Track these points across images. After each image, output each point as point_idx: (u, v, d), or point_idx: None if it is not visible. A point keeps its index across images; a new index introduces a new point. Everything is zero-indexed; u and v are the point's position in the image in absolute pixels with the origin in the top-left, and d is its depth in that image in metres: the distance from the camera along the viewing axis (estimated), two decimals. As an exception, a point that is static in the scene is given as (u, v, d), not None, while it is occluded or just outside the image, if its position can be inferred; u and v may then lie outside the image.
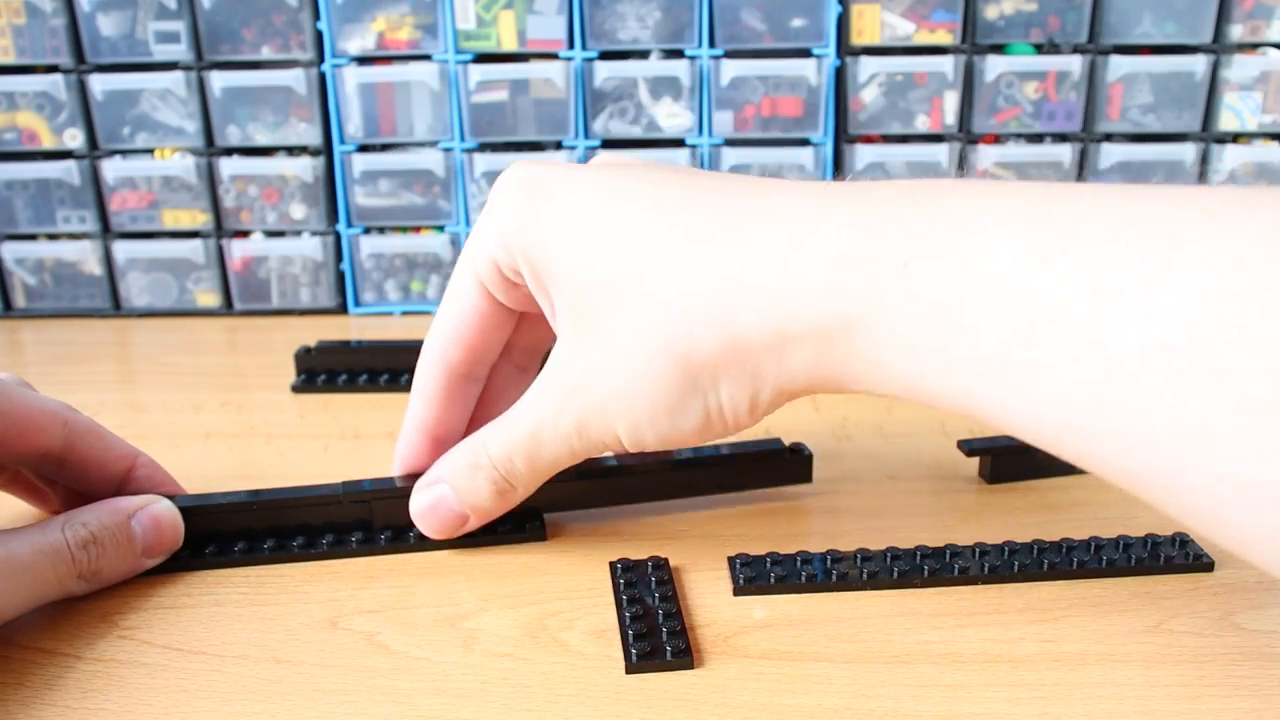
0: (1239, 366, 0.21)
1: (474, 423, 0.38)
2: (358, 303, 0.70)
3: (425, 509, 0.36)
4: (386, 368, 0.55)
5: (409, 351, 0.55)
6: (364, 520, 0.38)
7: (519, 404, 0.34)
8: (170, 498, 0.37)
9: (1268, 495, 0.21)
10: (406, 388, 0.54)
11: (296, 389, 0.55)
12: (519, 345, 0.39)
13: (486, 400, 0.39)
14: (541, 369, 0.34)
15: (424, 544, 0.37)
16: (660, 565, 0.36)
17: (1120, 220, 0.24)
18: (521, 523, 0.38)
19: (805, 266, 0.28)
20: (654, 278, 0.30)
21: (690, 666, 0.31)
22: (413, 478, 0.37)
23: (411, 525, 0.37)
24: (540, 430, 0.33)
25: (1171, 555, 0.36)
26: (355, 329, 0.67)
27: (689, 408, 0.31)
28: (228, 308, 0.70)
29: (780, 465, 0.41)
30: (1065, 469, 0.43)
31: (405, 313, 0.69)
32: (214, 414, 0.52)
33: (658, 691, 0.30)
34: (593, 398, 0.32)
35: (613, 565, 0.36)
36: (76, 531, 0.33)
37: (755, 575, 0.35)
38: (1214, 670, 0.30)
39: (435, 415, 0.37)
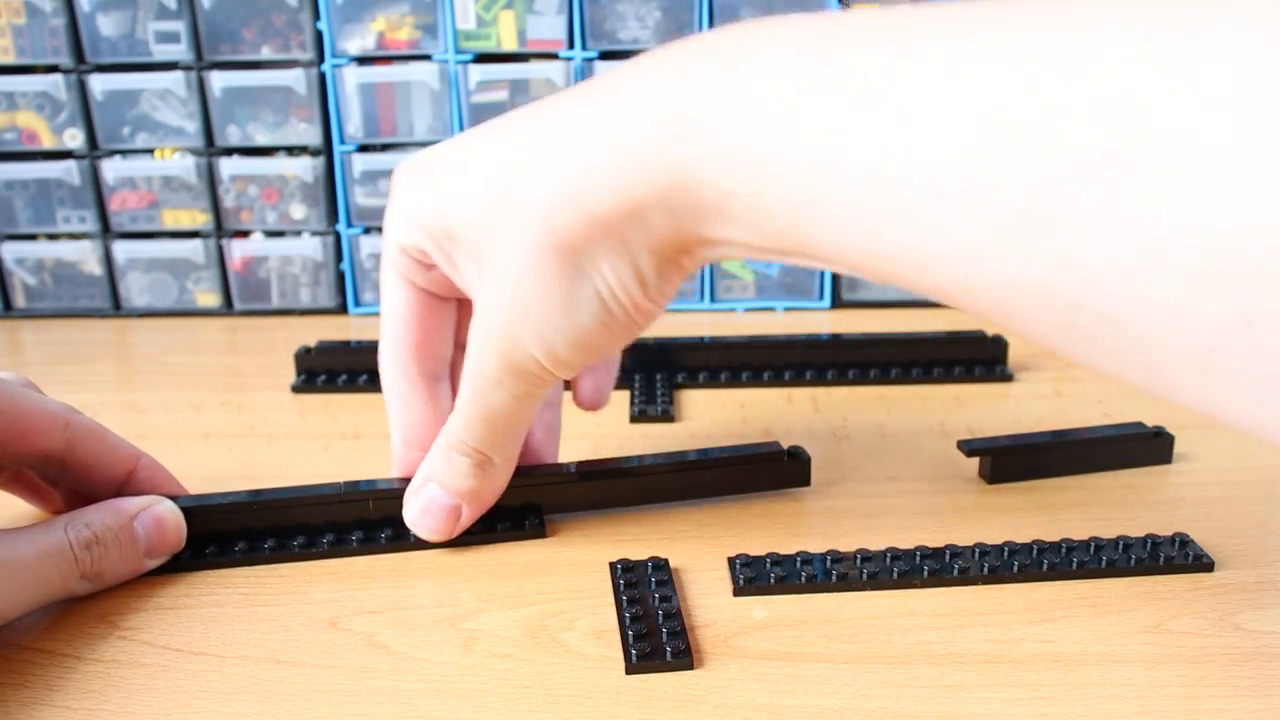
0: (996, 182, 0.22)
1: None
2: (358, 303, 0.70)
3: (419, 513, 0.36)
4: (386, 368, 0.55)
5: (409, 351, 0.55)
6: (364, 519, 0.38)
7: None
8: (172, 498, 0.37)
9: (1036, 288, 0.22)
10: (406, 388, 0.54)
11: (296, 389, 0.55)
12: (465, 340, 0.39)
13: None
14: None
15: (424, 542, 0.37)
16: (660, 566, 0.36)
17: (874, 40, 0.25)
18: (521, 519, 0.38)
19: (626, 135, 0.28)
20: (525, 183, 0.30)
21: (690, 667, 0.31)
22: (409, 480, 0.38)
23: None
24: (478, 386, 0.33)
25: (1171, 555, 0.36)
26: (355, 329, 0.67)
27: (580, 297, 0.30)
28: (228, 308, 0.70)
29: (779, 468, 0.41)
30: (1065, 469, 0.43)
31: (405, 313, 0.69)
32: (214, 414, 0.52)
33: (658, 692, 0.30)
34: (500, 329, 0.32)
35: (613, 566, 0.36)
36: (79, 532, 0.33)
37: (755, 575, 0.35)
38: (1214, 670, 0.30)
39: (415, 422, 0.37)
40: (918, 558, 0.36)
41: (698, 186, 0.28)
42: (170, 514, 0.36)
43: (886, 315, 0.67)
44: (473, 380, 0.33)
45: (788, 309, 0.69)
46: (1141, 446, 0.44)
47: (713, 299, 0.69)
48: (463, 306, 0.37)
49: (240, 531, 0.37)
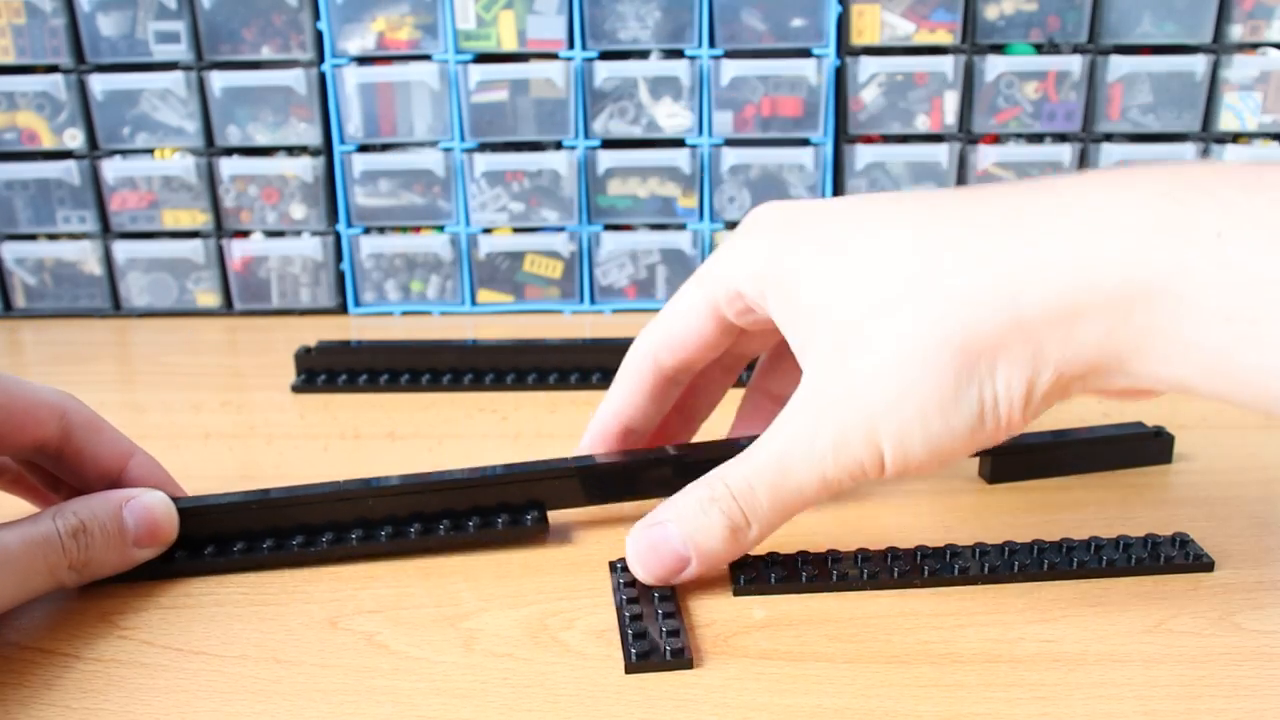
0: None
1: (666, 420, 0.40)
2: (358, 303, 0.70)
3: (644, 549, 0.34)
4: (386, 368, 0.55)
5: (409, 352, 0.55)
6: (364, 518, 0.38)
7: (764, 435, 0.33)
8: (173, 497, 0.36)
9: None
10: (406, 388, 0.54)
11: (296, 389, 0.55)
12: (730, 351, 0.39)
13: (684, 398, 0.40)
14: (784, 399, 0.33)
15: (425, 541, 0.37)
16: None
17: None
18: (522, 514, 0.38)
19: (1104, 237, 0.27)
20: (931, 278, 0.29)
21: (689, 667, 0.31)
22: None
23: (411, 521, 0.37)
24: (789, 453, 0.31)
25: (1171, 555, 0.36)
26: (355, 329, 0.67)
27: (963, 401, 0.29)
28: (228, 308, 0.70)
29: None
30: (1065, 469, 0.43)
31: (405, 313, 0.69)
32: (214, 414, 0.52)
33: (658, 691, 0.30)
34: (854, 408, 0.30)
35: (612, 565, 0.36)
36: (67, 520, 0.33)
37: (755, 575, 0.35)
38: (1214, 670, 0.30)
39: (634, 409, 0.38)
40: (918, 557, 0.36)
41: (1169, 302, 0.26)
42: (160, 504, 0.36)
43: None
44: (783, 446, 0.32)
45: (788, 309, 0.69)
46: (1141, 446, 0.44)
47: (713, 299, 0.69)
48: (746, 336, 0.38)
49: (238, 532, 0.37)
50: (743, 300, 0.35)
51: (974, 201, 0.31)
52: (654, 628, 0.32)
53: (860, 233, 0.32)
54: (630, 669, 0.31)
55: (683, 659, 0.31)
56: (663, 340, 0.38)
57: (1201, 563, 0.35)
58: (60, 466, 0.37)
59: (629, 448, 0.40)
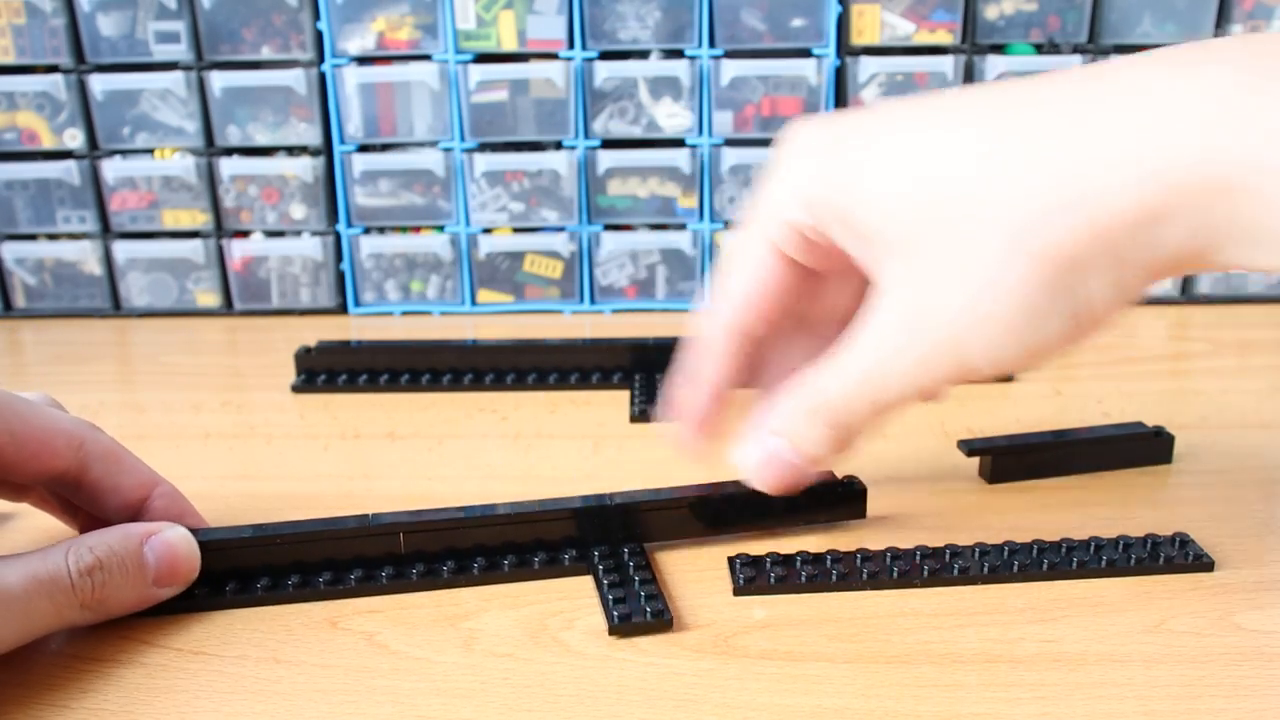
0: None
1: (759, 382, 0.38)
2: (358, 303, 0.70)
3: (760, 462, 0.34)
4: (386, 368, 0.55)
5: (409, 351, 0.55)
6: (394, 553, 0.36)
7: (854, 344, 0.32)
8: (191, 530, 0.35)
9: None
10: (406, 388, 0.54)
11: (296, 389, 0.55)
12: (808, 311, 0.37)
13: (766, 354, 0.38)
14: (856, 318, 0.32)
15: (459, 578, 0.36)
16: (637, 551, 0.36)
17: None
18: (560, 552, 0.37)
19: (1175, 132, 0.26)
20: (999, 181, 0.28)
21: (670, 628, 0.32)
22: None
23: (444, 557, 0.36)
24: (881, 367, 0.31)
25: (1171, 555, 0.36)
26: (355, 329, 0.67)
27: (1053, 312, 0.28)
28: (228, 308, 0.70)
29: (834, 497, 0.40)
30: (1065, 469, 0.43)
31: (405, 313, 0.69)
32: (214, 414, 0.52)
33: (658, 691, 0.30)
34: (940, 322, 0.29)
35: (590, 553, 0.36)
36: (81, 557, 0.31)
37: (755, 575, 0.35)
38: (1214, 670, 0.30)
39: (719, 373, 0.36)
40: (917, 557, 0.36)
41: (1252, 193, 0.25)
42: (182, 540, 0.34)
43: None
44: (877, 363, 0.31)
45: (788, 309, 0.69)
46: (1141, 446, 0.44)
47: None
48: (817, 276, 0.35)
49: (261, 567, 0.35)
50: (799, 232, 0.33)
51: (1032, 96, 0.29)
52: (632, 594, 0.34)
53: (918, 137, 0.30)
54: (614, 631, 0.32)
55: (663, 620, 0.32)
56: (738, 300, 0.35)
57: (1201, 563, 0.35)
58: (79, 496, 0.36)
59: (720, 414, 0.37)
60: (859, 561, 0.36)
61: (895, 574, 0.35)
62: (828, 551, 0.36)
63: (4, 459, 0.33)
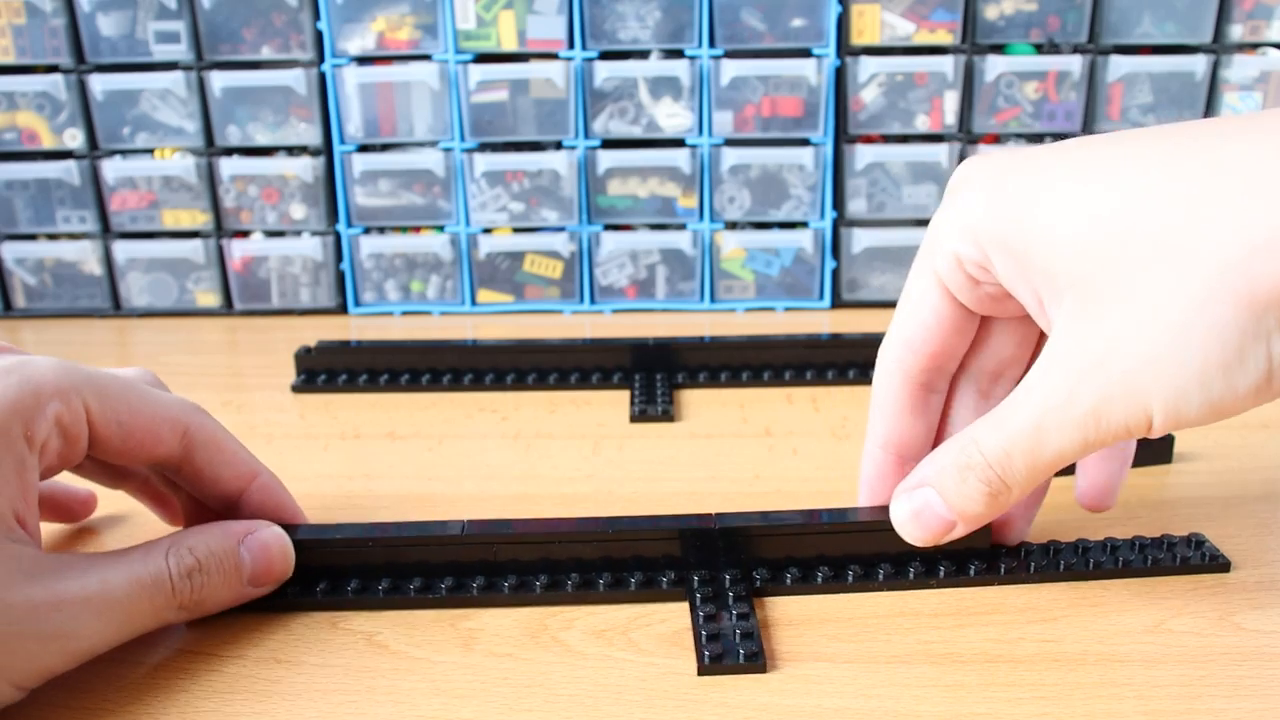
0: None
1: (936, 443, 0.36)
2: (358, 303, 0.70)
3: (909, 516, 0.33)
4: (386, 368, 0.55)
5: (409, 351, 0.55)
6: (487, 562, 0.35)
7: (1014, 396, 0.31)
8: (287, 524, 0.35)
9: None
10: (406, 388, 0.54)
11: (296, 389, 0.55)
12: (974, 365, 0.36)
13: (944, 421, 0.36)
14: (1028, 370, 0.31)
15: (551, 593, 0.34)
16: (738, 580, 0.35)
17: None
18: (658, 573, 0.35)
19: None
20: (1199, 220, 0.27)
21: (763, 670, 0.31)
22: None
23: (539, 571, 0.35)
24: (1046, 420, 0.29)
25: (1188, 555, 0.36)
26: (355, 329, 0.67)
27: (1248, 359, 0.26)
28: (228, 308, 0.70)
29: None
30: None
31: (405, 313, 0.69)
32: (214, 414, 0.52)
33: (657, 691, 0.30)
34: (1117, 371, 0.28)
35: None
36: (182, 558, 0.31)
37: (771, 577, 0.35)
38: (1214, 670, 0.30)
39: (900, 430, 0.35)
40: (939, 560, 0.36)
41: None
42: (277, 540, 0.34)
43: (886, 315, 0.67)
44: (1039, 413, 0.30)
45: (788, 309, 0.69)
46: (1141, 446, 0.44)
47: (713, 299, 0.69)
48: (981, 330, 0.35)
49: (354, 568, 0.35)
50: (964, 268, 0.32)
51: (1214, 138, 0.28)
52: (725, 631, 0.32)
53: (1094, 171, 0.29)
54: (703, 671, 0.31)
55: (757, 663, 0.31)
56: (903, 341, 0.34)
57: (1218, 563, 0.35)
58: (181, 481, 0.35)
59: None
60: (877, 563, 0.36)
61: (911, 575, 0.35)
62: (844, 555, 0.36)
63: (111, 446, 0.32)
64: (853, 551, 0.36)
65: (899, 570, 0.35)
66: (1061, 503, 0.41)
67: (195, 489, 0.35)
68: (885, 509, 0.34)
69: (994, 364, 0.36)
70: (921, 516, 0.33)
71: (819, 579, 0.35)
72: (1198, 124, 0.29)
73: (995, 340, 0.35)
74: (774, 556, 0.35)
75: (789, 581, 0.35)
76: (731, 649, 0.31)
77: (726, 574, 0.35)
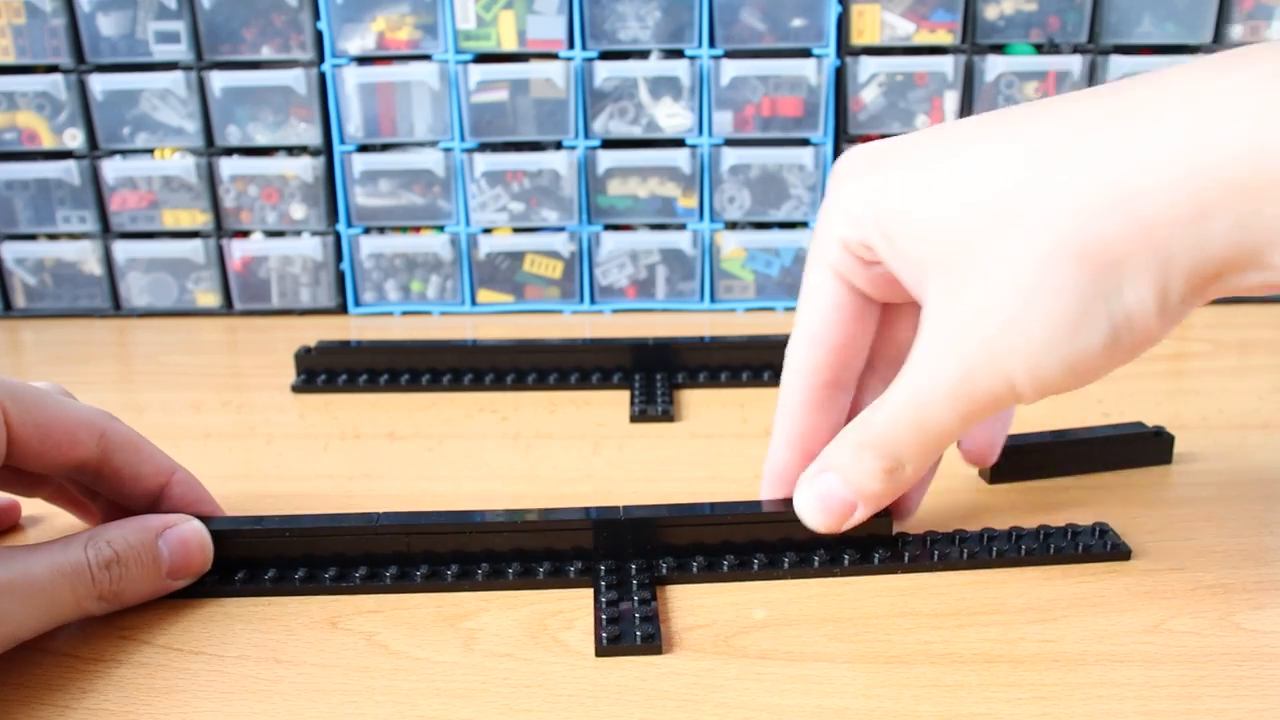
0: None
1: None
2: (358, 303, 0.70)
3: (813, 501, 0.34)
4: (386, 368, 0.55)
5: (409, 351, 0.55)
6: (401, 553, 0.36)
7: (900, 374, 0.32)
8: (204, 518, 0.36)
9: None
10: (406, 388, 0.54)
11: (296, 389, 0.55)
12: (881, 354, 0.36)
13: (853, 410, 0.37)
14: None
15: (463, 581, 0.35)
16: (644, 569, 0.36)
17: None
18: (566, 563, 0.36)
19: (1219, 126, 0.25)
20: (1040, 188, 0.27)
21: (658, 652, 0.32)
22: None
23: (448, 561, 0.36)
24: (922, 394, 0.30)
25: (1090, 544, 0.36)
26: (355, 329, 0.67)
27: (1092, 319, 0.27)
28: (228, 308, 0.70)
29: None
30: (1065, 469, 0.43)
31: (405, 313, 0.69)
32: (214, 414, 0.52)
33: (657, 691, 0.30)
34: (976, 340, 0.29)
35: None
36: (100, 550, 0.32)
37: (770, 561, 0.36)
38: (1214, 670, 0.30)
39: (806, 427, 0.35)
40: (927, 542, 0.36)
41: None
42: (195, 534, 0.35)
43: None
44: (917, 388, 0.31)
45: (787, 309, 0.69)
46: (1141, 446, 0.44)
47: (713, 299, 0.69)
48: (883, 318, 0.35)
49: (271, 558, 0.36)
50: (851, 251, 0.33)
51: (1069, 105, 0.29)
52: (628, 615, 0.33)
53: (954, 151, 0.30)
54: (601, 653, 0.32)
55: (654, 644, 0.32)
56: (805, 335, 0.35)
57: (1119, 551, 0.36)
58: (100, 485, 0.36)
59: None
60: (782, 552, 0.36)
61: (816, 564, 0.36)
62: (750, 542, 0.36)
63: (29, 450, 0.33)
64: (759, 539, 0.36)
65: (803, 559, 0.36)
66: (1060, 501, 0.41)
67: (115, 490, 0.36)
68: (789, 500, 0.35)
69: (897, 352, 0.36)
70: (824, 500, 0.34)
71: (725, 567, 0.36)
72: (1058, 97, 0.29)
73: (898, 328, 0.36)
74: (681, 545, 0.36)
75: (695, 570, 0.36)
76: (629, 632, 0.32)
77: (633, 564, 0.36)
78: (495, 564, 0.36)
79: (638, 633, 0.32)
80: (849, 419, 0.35)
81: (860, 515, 0.34)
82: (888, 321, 0.36)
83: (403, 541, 0.36)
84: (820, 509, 0.34)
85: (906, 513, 0.38)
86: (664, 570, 0.36)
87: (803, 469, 0.35)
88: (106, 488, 0.36)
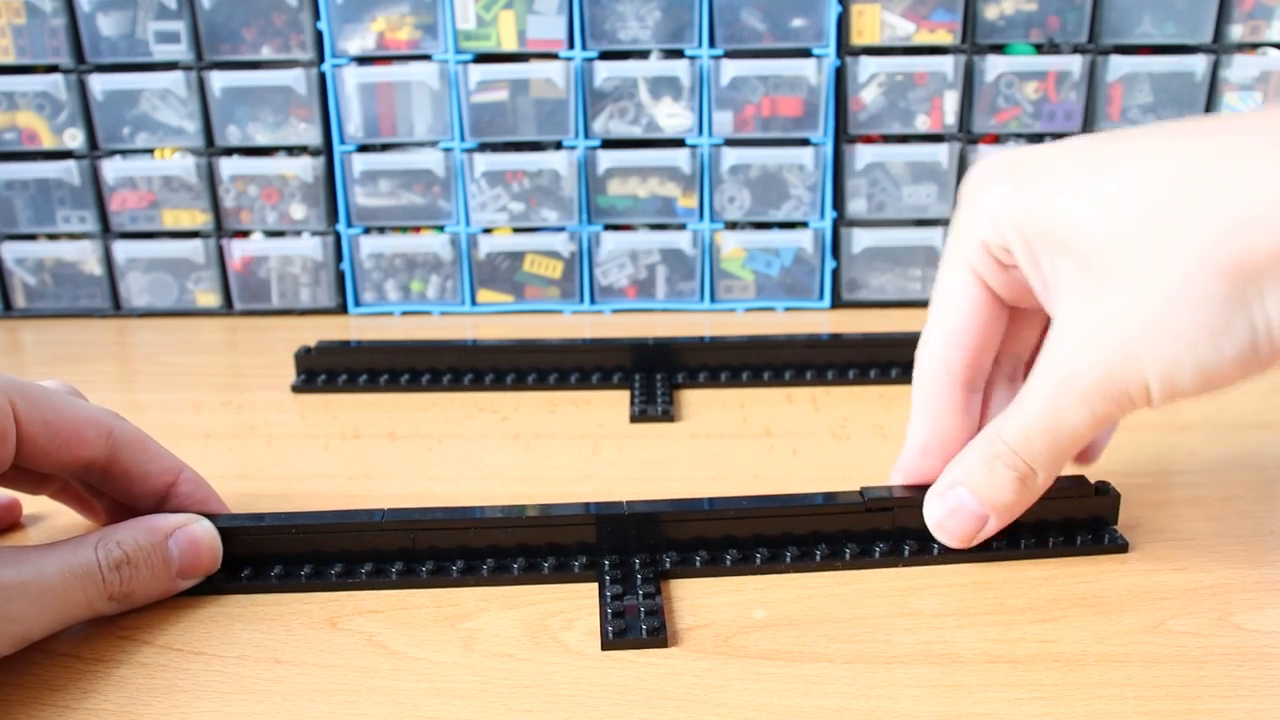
0: None
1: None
2: (358, 303, 0.70)
3: (944, 515, 0.35)
4: (386, 368, 0.55)
5: (409, 351, 0.55)
6: (406, 549, 0.36)
7: (1029, 380, 0.32)
8: (211, 516, 0.36)
9: None
10: (406, 388, 0.54)
11: (296, 389, 0.55)
12: (1006, 359, 0.37)
13: (985, 418, 0.37)
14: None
15: (468, 577, 0.35)
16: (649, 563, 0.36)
17: None
18: (570, 558, 0.36)
19: None
20: (1188, 199, 0.28)
21: (663, 645, 0.32)
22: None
23: (454, 557, 0.36)
24: (1056, 398, 0.31)
25: (1087, 538, 0.37)
26: (355, 329, 0.67)
27: (1233, 327, 0.28)
28: (228, 308, 0.70)
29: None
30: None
31: (405, 313, 0.69)
32: (214, 414, 0.52)
33: (657, 692, 0.30)
34: (1113, 345, 0.29)
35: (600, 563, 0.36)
36: (110, 551, 0.32)
37: (743, 557, 0.36)
38: (1214, 670, 0.30)
39: (942, 431, 0.36)
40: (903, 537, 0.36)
41: None
42: (206, 534, 0.35)
43: (886, 315, 0.67)
44: (1050, 393, 0.31)
45: (788, 309, 0.69)
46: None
47: (713, 299, 0.69)
48: (1012, 319, 0.36)
49: (276, 555, 0.36)
50: (991, 253, 0.33)
51: (1215, 129, 0.30)
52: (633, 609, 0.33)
53: (1099, 165, 0.31)
54: (607, 646, 0.32)
55: (659, 638, 0.32)
56: (943, 337, 0.35)
57: (1116, 545, 0.37)
58: (107, 484, 0.36)
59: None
60: (785, 546, 0.36)
61: (818, 558, 0.36)
62: (812, 532, 0.37)
63: (37, 448, 0.33)
64: (761, 534, 0.36)
65: (805, 553, 0.36)
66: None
67: (123, 489, 0.36)
68: (790, 496, 0.36)
69: (1015, 360, 0.37)
70: (956, 515, 0.34)
71: (728, 562, 0.36)
72: (1197, 120, 0.30)
73: (1025, 331, 0.36)
74: (684, 539, 0.36)
75: (698, 564, 0.36)
76: (635, 626, 0.32)
77: (636, 558, 0.36)
78: (500, 559, 0.36)
79: (643, 626, 0.32)
80: (981, 420, 0.36)
81: (993, 527, 0.34)
82: (1014, 322, 0.36)
83: (408, 538, 0.36)
84: (953, 523, 0.35)
85: (1091, 459, 0.38)
86: (667, 565, 0.36)
87: (938, 471, 0.36)
88: (113, 487, 0.36)
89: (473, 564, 0.36)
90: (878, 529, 0.36)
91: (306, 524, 0.36)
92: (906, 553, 0.36)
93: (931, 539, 0.36)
